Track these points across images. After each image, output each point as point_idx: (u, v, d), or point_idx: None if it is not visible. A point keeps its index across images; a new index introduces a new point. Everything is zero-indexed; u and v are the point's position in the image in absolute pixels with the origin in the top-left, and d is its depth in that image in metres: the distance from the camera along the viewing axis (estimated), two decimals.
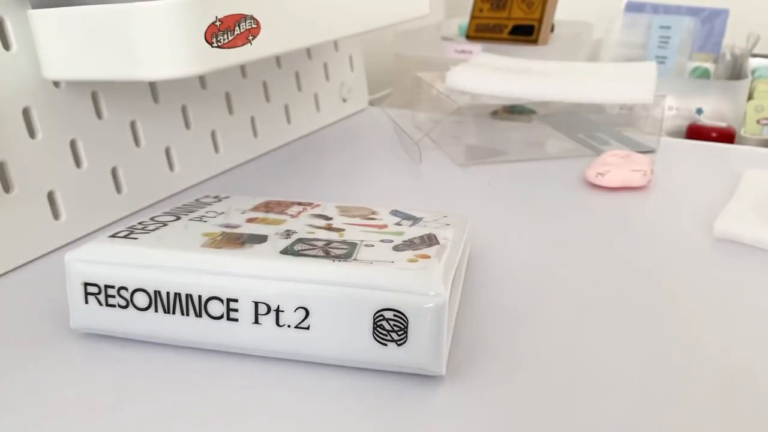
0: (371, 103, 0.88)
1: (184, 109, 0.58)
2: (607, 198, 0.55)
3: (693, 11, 1.09)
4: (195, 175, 0.60)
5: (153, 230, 0.37)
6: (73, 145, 0.48)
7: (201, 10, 0.40)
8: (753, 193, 0.52)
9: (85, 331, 0.35)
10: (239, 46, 0.42)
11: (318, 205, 0.44)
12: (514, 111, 0.76)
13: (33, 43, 0.44)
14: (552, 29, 0.99)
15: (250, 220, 0.40)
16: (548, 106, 0.71)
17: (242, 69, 0.65)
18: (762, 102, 0.95)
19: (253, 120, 0.67)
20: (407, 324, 0.31)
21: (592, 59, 1.12)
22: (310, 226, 0.39)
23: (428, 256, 0.34)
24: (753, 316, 0.38)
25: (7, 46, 0.44)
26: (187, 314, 0.33)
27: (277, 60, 0.69)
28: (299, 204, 0.44)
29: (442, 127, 0.70)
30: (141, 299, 0.33)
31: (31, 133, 0.45)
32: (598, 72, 0.72)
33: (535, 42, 0.94)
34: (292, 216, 0.41)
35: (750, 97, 0.98)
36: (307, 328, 0.32)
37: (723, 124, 0.96)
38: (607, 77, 0.70)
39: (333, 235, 0.37)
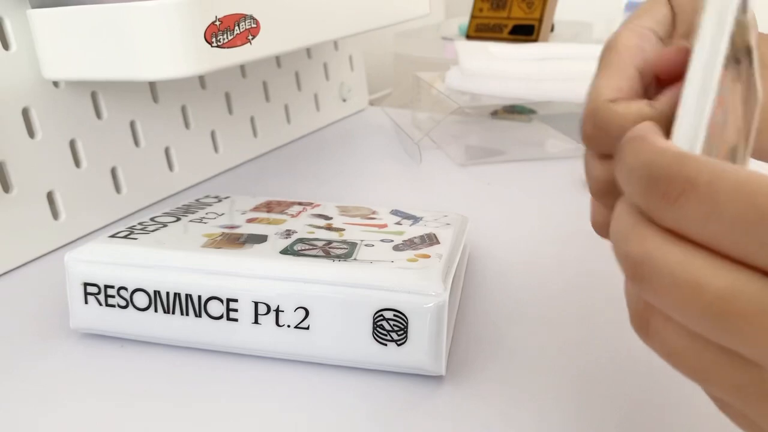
0: (371, 103, 0.88)
1: (183, 109, 0.58)
2: None
3: None
4: (195, 175, 0.60)
5: (153, 231, 0.37)
6: (72, 145, 0.48)
7: (200, 10, 0.40)
8: None
9: (85, 331, 0.35)
10: (239, 46, 0.42)
11: (318, 205, 0.44)
12: (514, 111, 0.76)
13: (32, 43, 0.44)
14: (552, 29, 0.99)
15: (250, 221, 0.40)
16: (548, 106, 0.71)
17: (242, 69, 0.65)
18: None
19: (252, 120, 0.67)
20: (407, 324, 0.31)
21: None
22: (310, 225, 0.39)
23: (428, 256, 0.34)
24: None
25: (6, 46, 0.44)
26: (187, 314, 0.33)
27: (277, 60, 0.69)
28: (299, 204, 0.44)
29: (442, 127, 0.70)
30: (141, 299, 0.33)
31: (31, 133, 0.45)
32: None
33: (535, 42, 0.94)
34: (292, 216, 0.41)
35: None
36: (307, 328, 0.32)
37: None
38: None
39: (333, 235, 0.37)
